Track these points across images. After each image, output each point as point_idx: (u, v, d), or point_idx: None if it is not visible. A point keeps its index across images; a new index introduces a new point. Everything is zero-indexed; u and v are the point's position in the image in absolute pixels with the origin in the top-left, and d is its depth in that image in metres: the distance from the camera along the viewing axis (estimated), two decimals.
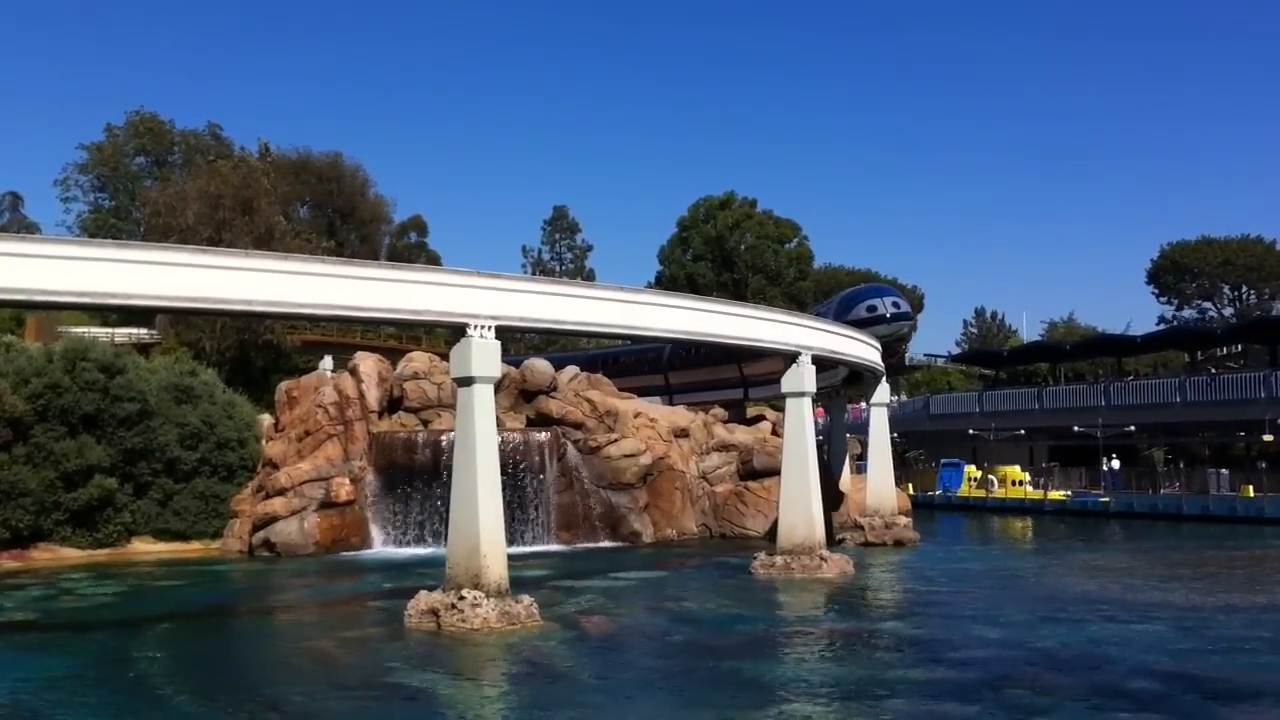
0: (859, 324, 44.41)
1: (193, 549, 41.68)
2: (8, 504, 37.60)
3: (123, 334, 65.26)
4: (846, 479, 47.70)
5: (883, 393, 44.77)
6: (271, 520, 40.74)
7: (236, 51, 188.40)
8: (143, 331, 66.97)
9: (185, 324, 59.87)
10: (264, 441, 45.58)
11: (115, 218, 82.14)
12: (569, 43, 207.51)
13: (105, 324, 69.12)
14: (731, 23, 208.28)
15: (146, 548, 41.04)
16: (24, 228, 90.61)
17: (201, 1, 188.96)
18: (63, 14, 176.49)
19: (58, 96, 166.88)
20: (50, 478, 38.61)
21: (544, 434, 44.33)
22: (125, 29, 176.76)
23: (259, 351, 63.84)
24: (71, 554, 39.02)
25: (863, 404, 53.09)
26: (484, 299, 24.85)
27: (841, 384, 47.66)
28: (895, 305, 48.03)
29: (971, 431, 76.04)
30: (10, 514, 37.61)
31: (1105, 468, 68.87)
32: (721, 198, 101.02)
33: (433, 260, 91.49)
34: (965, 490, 71.05)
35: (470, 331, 24.15)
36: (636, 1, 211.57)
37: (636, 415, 47.96)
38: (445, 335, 38.42)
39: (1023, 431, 75.12)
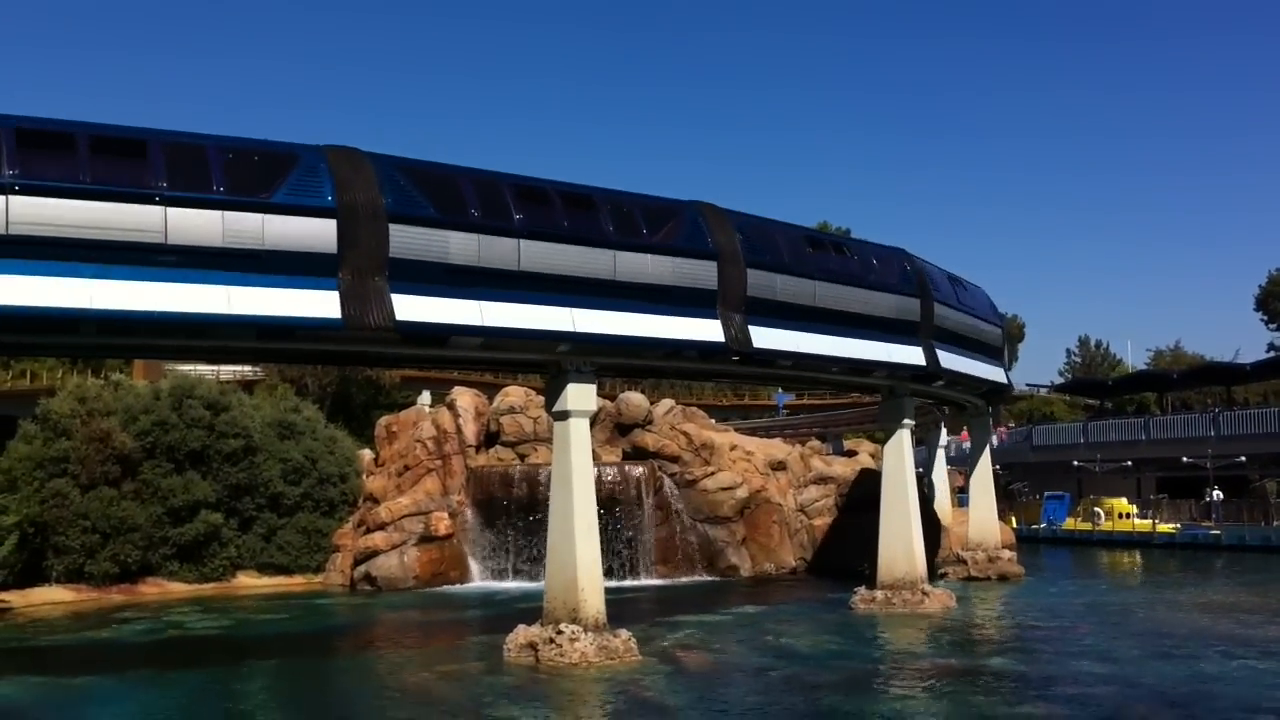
0: None
1: (296, 583, 42.15)
2: (117, 539, 38.32)
3: (228, 371, 66.43)
4: (948, 512, 46.80)
5: None
6: (372, 554, 41.12)
7: (339, 95, 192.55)
8: (246, 369, 68.25)
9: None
10: (364, 476, 46.05)
11: None
12: (659, 74, 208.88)
13: (210, 362, 70.60)
14: (821, 52, 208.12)
15: (251, 582, 41.58)
16: None
17: (306, 46, 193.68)
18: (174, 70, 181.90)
19: None
20: (158, 513, 39.37)
21: (640, 467, 44.21)
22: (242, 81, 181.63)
23: (359, 387, 64.87)
24: (178, 588, 39.68)
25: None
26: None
27: (942, 414, 46.83)
28: None
29: (1076, 463, 74.32)
30: (119, 549, 38.33)
31: (1212, 499, 66.90)
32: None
33: None
34: (1071, 524, 69.37)
35: (566, 366, 24.17)
36: (725, 37, 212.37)
37: (733, 448, 47.57)
38: None
39: (1129, 463, 73.24)
